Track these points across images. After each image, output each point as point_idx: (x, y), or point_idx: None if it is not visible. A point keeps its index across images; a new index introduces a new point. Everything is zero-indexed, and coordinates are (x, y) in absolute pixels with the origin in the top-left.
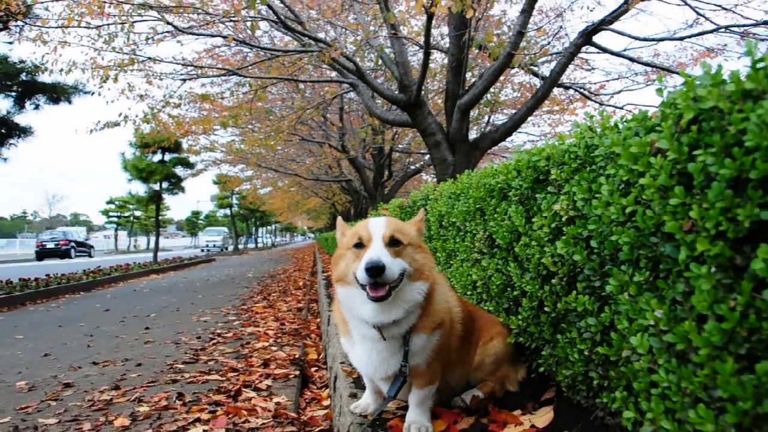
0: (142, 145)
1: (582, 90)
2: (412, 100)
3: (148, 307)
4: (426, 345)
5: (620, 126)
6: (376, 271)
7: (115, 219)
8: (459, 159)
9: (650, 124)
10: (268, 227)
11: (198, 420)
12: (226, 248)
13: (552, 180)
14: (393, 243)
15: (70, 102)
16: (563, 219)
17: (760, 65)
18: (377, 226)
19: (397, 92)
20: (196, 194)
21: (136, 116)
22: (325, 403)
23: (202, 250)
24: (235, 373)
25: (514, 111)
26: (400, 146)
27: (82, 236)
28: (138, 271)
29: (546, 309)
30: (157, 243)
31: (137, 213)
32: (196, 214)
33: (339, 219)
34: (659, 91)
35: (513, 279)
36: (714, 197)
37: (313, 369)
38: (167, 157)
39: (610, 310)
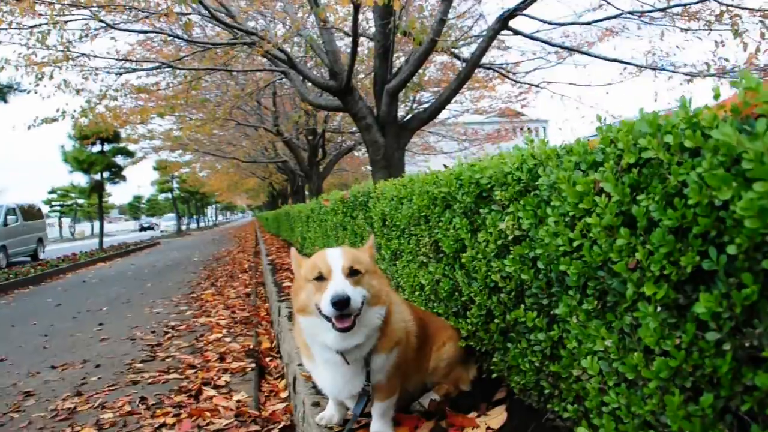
0: (81, 137)
1: (500, 69)
2: (342, 86)
3: (99, 299)
4: (386, 363)
5: (560, 153)
6: (342, 304)
7: (58, 208)
8: (389, 140)
9: (591, 158)
10: (209, 208)
11: (164, 425)
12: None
13: (496, 199)
14: (352, 273)
15: (5, 101)
16: (509, 238)
17: (694, 120)
18: (335, 258)
19: (328, 79)
20: (137, 179)
21: (74, 111)
22: (283, 395)
23: None
24: (194, 370)
25: (437, 89)
26: (332, 125)
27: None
28: (85, 260)
29: (495, 320)
30: (101, 230)
31: (80, 201)
32: (137, 198)
33: (293, 251)
34: (599, 129)
35: (460, 286)
36: (657, 241)
37: (267, 359)
38: (107, 147)
39: (558, 328)
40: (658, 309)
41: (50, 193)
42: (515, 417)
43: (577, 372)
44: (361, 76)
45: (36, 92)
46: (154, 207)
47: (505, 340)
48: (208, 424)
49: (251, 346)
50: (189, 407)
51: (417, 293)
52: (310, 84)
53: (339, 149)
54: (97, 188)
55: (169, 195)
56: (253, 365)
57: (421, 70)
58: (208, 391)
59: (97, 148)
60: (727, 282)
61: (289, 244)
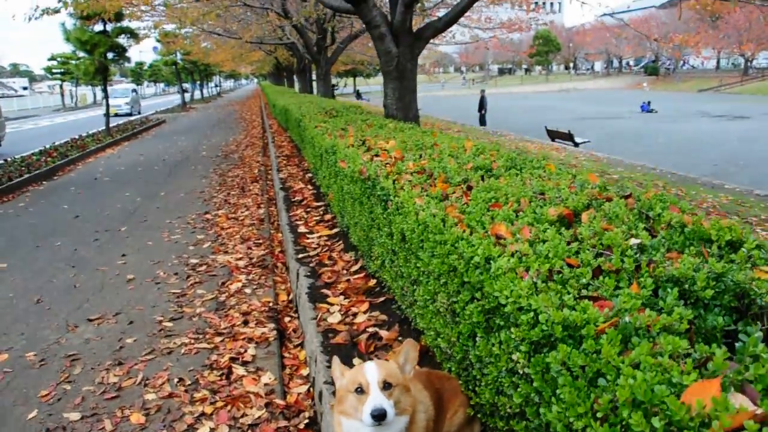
0: (81, 16)
1: None
2: None
3: (115, 211)
4: None
5: (576, 339)
6: (380, 417)
7: (59, 75)
8: (403, 50)
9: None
10: (213, 77)
11: (203, 414)
12: None
13: (509, 320)
14: (386, 387)
15: None
16: (520, 371)
17: None
18: (372, 373)
19: None
20: (139, 45)
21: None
22: (304, 372)
23: None
24: (221, 338)
25: None
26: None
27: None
28: (94, 147)
29: (504, 426)
30: (107, 112)
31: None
32: (139, 64)
33: (335, 360)
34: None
35: (473, 362)
36: None
37: (286, 319)
38: (109, 27)
39: None
40: None
41: (50, 60)
42: None
43: None
44: None
45: None
46: (156, 73)
47: None
48: (242, 416)
49: (270, 303)
50: (222, 392)
51: (431, 331)
52: None
53: (350, 34)
54: (102, 71)
55: (173, 68)
56: (275, 333)
57: None
58: (238, 370)
59: (99, 27)
60: None
61: (297, 149)
